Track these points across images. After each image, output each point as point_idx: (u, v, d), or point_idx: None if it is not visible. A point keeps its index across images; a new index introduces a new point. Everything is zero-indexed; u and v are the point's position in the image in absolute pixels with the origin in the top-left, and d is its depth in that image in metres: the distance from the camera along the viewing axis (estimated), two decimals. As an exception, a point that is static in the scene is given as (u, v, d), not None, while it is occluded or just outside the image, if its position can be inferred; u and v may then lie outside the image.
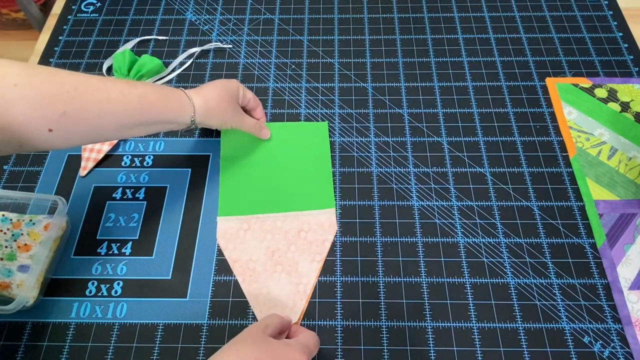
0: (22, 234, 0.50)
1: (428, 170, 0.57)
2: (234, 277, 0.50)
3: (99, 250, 0.52)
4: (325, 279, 0.50)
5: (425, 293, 0.49)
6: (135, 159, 0.59)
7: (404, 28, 0.71)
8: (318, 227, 0.53)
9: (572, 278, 0.50)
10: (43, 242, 0.48)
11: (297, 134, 0.59)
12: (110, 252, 0.52)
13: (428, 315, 0.48)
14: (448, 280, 0.50)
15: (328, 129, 0.60)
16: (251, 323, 0.48)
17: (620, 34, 0.69)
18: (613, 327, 0.47)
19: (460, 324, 0.47)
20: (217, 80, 0.54)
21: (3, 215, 0.51)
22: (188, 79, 0.66)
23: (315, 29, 0.71)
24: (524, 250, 0.51)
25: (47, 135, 0.39)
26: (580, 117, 0.61)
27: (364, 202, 0.55)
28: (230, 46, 0.69)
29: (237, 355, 0.36)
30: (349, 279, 0.50)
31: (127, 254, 0.52)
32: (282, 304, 0.48)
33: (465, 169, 0.57)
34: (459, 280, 0.50)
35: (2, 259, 0.48)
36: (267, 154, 0.58)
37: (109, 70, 0.66)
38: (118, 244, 0.52)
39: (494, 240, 0.52)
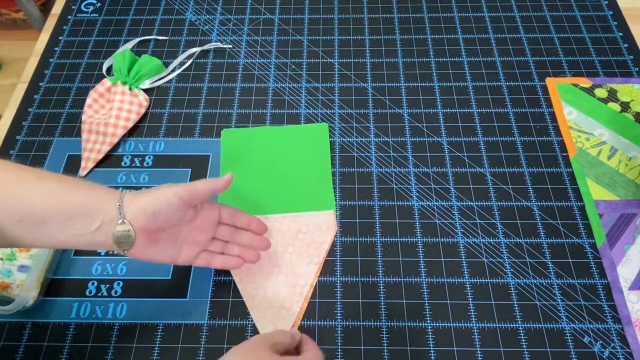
0: (22, 234, 0.50)
1: (428, 170, 0.57)
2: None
3: (98, 251, 0.52)
4: (325, 279, 0.50)
5: (425, 293, 0.49)
6: (135, 159, 0.59)
7: (404, 28, 0.71)
8: (316, 229, 0.53)
9: (572, 278, 0.50)
10: (43, 242, 0.48)
11: (298, 136, 0.60)
12: (110, 252, 0.52)
13: (428, 315, 0.48)
14: (448, 280, 0.50)
15: (328, 131, 0.60)
16: (251, 324, 0.48)
17: (620, 34, 0.69)
18: (613, 327, 0.47)
19: (460, 324, 0.47)
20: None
21: (3, 215, 0.51)
22: (188, 79, 0.66)
23: (315, 29, 0.71)
24: (524, 250, 0.51)
25: None
26: (580, 117, 0.61)
27: (364, 202, 0.55)
28: (230, 46, 0.69)
29: None
30: (349, 279, 0.50)
31: (127, 254, 0.52)
32: (279, 305, 0.48)
33: (465, 169, 0.57)
34: (459, 280, 0.50)
35: (2, 259, 0.48)
36: (267, 155, 0.58)
37: (109, 70, 0.67)
38: (118, 244, 0.52)
39: (494, 240, 0.52)
